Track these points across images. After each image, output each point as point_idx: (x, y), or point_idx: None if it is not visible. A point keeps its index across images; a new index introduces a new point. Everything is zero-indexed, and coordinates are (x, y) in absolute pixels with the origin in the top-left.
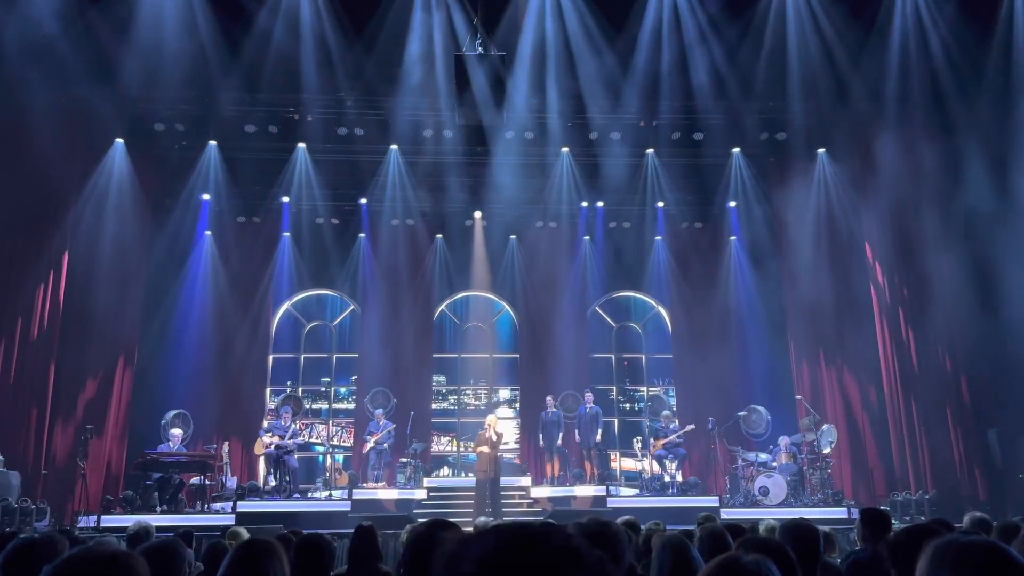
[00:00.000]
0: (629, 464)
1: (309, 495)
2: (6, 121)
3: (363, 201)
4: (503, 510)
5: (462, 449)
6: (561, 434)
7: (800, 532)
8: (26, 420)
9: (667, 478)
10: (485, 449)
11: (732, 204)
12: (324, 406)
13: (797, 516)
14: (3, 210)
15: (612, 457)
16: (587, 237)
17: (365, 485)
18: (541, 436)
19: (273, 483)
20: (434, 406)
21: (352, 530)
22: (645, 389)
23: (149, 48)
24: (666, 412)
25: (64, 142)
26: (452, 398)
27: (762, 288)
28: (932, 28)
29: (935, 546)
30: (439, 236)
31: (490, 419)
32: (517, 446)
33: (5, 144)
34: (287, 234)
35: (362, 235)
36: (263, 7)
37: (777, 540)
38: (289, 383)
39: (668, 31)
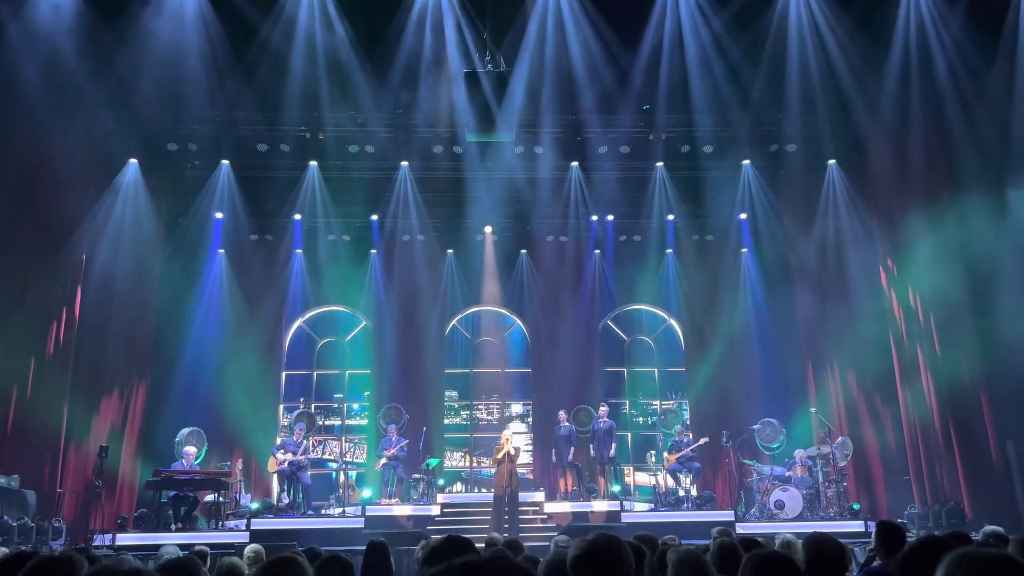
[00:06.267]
0: (643, 478)
1: (323, 512)
2: (23, 142)
3: (374, 218)
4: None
5: (475, 464)
6: (573, 449)
7: (824, 547)
8: (42, 439)
9: (681, 492)
10: (502, 462)
11: (743, 216)
12: (337, 422)
13: (813, 530)
14: (19, 230)
15: (626, 471)
16: (597, 251)
17: (379, 501)
18: (553, 451)
19: (287, 500)
20: (447, 421)
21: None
22: (658, 403)
23: (162, 70)
24: (679, 426)
25: (79, 162)
26: (464, 413)
27: (774, 300)
28: (937, 40)
29: (950, 559)
30: (450, 251)
31: (505, 434)
32: (530, 461)
33: (21, 165)
34: (299, 251)
35: (374, 251)
36: (275, 28)
37: (785, 554)
38: (302, 400)
39: (677, 44)
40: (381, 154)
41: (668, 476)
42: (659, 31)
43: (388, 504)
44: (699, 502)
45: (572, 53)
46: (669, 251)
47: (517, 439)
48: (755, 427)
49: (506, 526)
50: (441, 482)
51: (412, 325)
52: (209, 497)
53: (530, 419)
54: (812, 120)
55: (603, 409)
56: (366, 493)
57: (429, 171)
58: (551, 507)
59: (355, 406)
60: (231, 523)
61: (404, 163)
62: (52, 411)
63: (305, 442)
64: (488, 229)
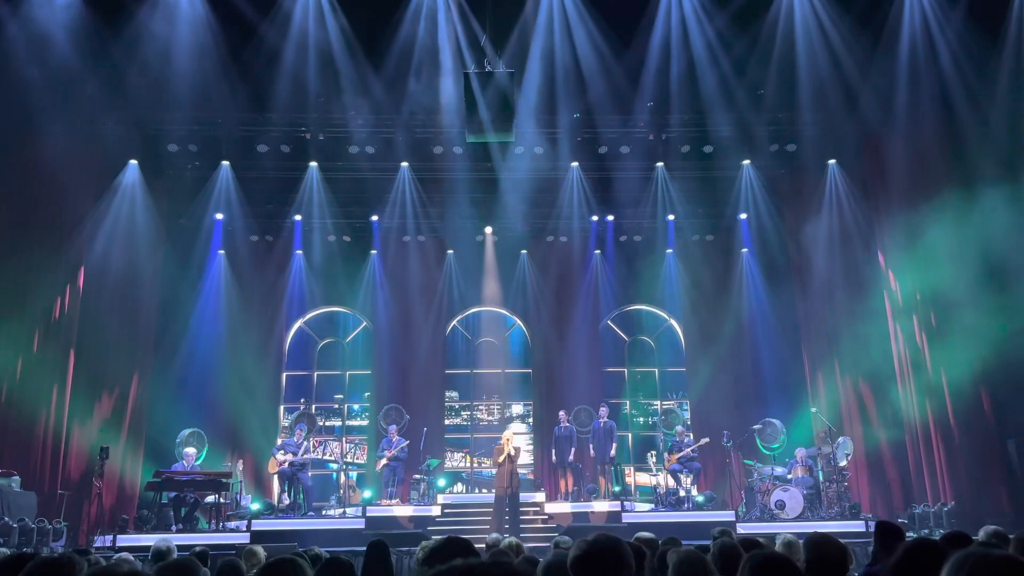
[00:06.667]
0: (644, 479)
1: (323, 512)
2: (24, 143)
3: (375, 218)
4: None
5: (475, 465)
6: (573, 449)
7: (825, 547)
8: (42, 440)
9: (682, 492)
10: (503, 463)
11: (743, 216)
12: (338, 423)
13: (814, 530)
14: (20, 230)
15: (627, 472)
16: (598, 251)
17: (379, 502)
18: (554, 452)
19: (287, 501)
20: (447, 422)
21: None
22: (659, 403)
23: (162, 70)
24: (680, 427)
25: (79, 164)
26: (465, 414)
27: (775, 299)
28: (940, 36)
29: (953, 560)
30: (450, 252)
31: (506, 435)
32: (532, 461)
33: (22, 166)
34: (300, 252)
35: (374, 252)
36: (274, 28)
37: (784, 555)
38: (303, 400)
39: (677, 44)
40: (381, 154)
41: (669, 476)
42: (660, 31)
43: (389, 505)
44: (702, 502)
45: (572, 53)
46: (669, 251)
47: (517, 439)
48: (756, 427)
49: (507, 527)
50: (442, 483)
51: (412, 326)
52: (210, 498)
53: (530, 419)
54: (812, 120)
55: (603, 409)
56: (367, 494)
57: (429, 171)
58: (552, 507)
59: (355, 407)
60: (232, 524)
61: (404, 164)
62: (53, 413)
63: (306, 443)
64: (488, 229)
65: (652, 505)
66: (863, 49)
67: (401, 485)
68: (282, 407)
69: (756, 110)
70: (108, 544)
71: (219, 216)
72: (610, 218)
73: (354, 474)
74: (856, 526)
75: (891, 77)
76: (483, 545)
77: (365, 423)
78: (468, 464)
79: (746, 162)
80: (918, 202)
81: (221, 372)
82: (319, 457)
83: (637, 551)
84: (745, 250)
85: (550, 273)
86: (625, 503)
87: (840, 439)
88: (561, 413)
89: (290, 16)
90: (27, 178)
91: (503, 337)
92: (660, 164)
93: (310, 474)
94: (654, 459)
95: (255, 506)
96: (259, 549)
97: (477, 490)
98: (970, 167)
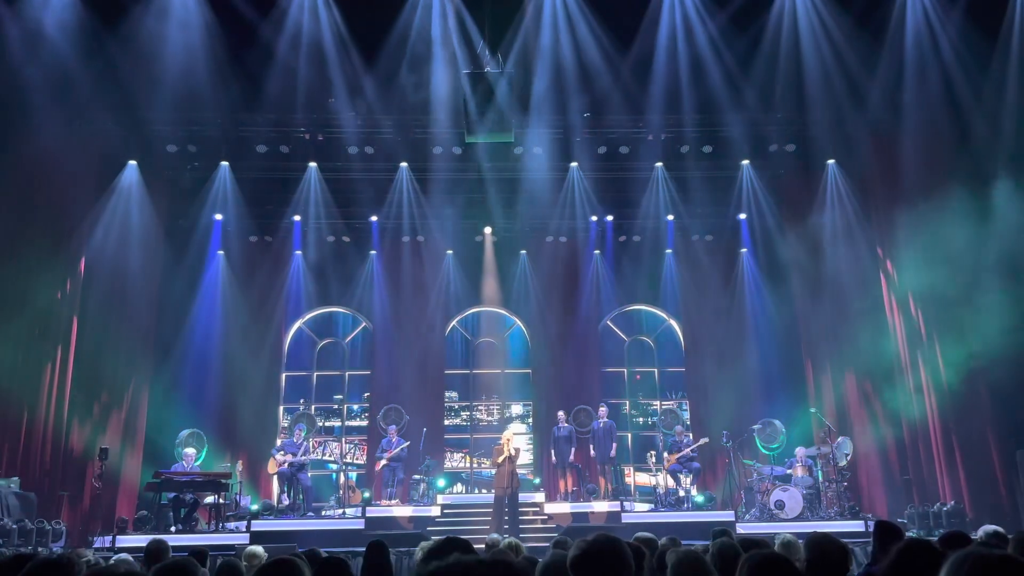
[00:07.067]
0: (643, 479)
1: (323, 513)
2: (23, 144)
3: (374, 219)
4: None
5: (475, 465)
6: (573, 449)
7: (826, 546)
8: (41, 441)
9: (682, 492)
10: (503, 464)
11: (743, 216)
12: (337, 424)
13: (813, 530)
14: (20, 230)
15: (626, 472)
16: (597, 251)
17: (379, 502)
18: (553, 452)
19: (287, 501)
20: (447, 422)
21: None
22: (658, 403)
23: (162, 71)
24: (679, 426)
25: (78, 164)
26: (464, 414)
27: (774, 299)
28: (942, 35)
29: (953, 560)
30: (449, 252)
31: (506, 435)
32: (531, 461)
33: (22, 166)
34: (299, 253)
35: (373, 252)
36: (273, 29)
37: (783, 555)
38: (302, 401)
39: (677, 45)
40: (381, 155)
41: (668, 476)
42: (659, 31)
43: (388, 505)
44: (702, 503)
45: (572, 53)
46: (669, 251)
47: (517, 440)
48: (755, 427)
49: (506, 527)
50: (441, 483)
51: (412, 326)
52: (209, 499)
53: (530, 420)
54: (811, 120)
55: (603, 410)
56: (366, 494)
57: (429, 171)
58: (551, 508)
59: (355, 407)
60: (231, 524)
61: (403, 164)
62: (52, 414)
63: (305, 443)
64: (488, 229)
65: (652, 505)
66: (863, 49)
67: (401, 486)
68: (281, 407)
69: (756, 110)
70: (107, 545)
71: (218, 216)
72: (610, 218)
73: (354, 474)
74: (856, 526)
75: (892, 76)
76: (482, 545)
77: (365, 424)
78: (468, 464)
79: (745, 162)
80: (919, 200)
81: (220, 373)
82: (319, 457)
83: (637, 551)
84: (745, 250)
85: (550, 273)
86: (625, 503)
87: (839, 439)
88: (560, 413)
89: (290, 17)
90: (26, 178)
91: (503, 337)
92: (660, 164)
93: (309, 474)
94: (653, 459)
95: (254, 506)
96: (259, 549)
97: (477, 490)
98: (972, 165)
